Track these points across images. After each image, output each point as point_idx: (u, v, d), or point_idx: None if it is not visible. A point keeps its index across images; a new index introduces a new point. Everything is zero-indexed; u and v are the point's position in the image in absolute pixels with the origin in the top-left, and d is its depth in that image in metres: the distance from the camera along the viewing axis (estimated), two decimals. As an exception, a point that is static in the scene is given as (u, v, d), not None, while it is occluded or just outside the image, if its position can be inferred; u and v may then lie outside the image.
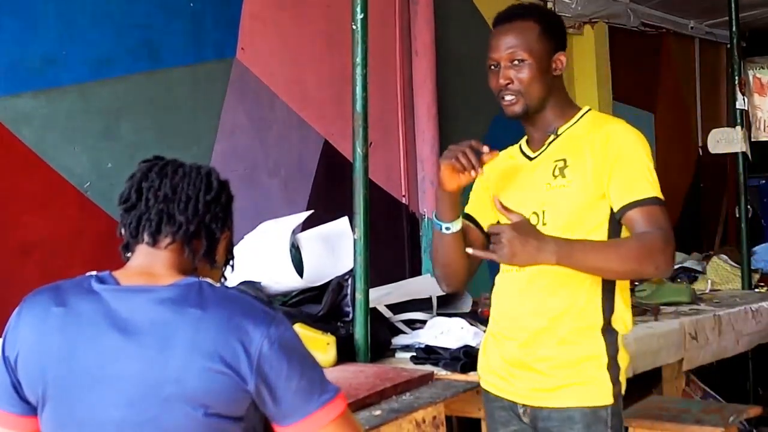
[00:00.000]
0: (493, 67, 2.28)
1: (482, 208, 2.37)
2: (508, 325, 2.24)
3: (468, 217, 2.39)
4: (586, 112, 2.30)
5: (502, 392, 2.27)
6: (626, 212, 2.10)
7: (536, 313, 2.19)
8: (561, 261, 2.00)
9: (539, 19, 2.27)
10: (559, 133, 2.26)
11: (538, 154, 2.27)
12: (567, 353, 2.16)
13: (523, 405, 2.22)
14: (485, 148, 2.13)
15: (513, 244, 1.96)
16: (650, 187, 2.11)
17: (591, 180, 2.14)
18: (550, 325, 2.18)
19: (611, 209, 2.14)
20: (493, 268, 2.41)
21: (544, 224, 2.17)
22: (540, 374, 2.18)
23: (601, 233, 2.15)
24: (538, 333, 2.18)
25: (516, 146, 2.40)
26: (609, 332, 2.17)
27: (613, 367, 2.16)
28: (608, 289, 2.18)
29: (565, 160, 2.20)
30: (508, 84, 2.22)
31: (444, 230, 2.27)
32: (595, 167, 2.14)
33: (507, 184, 2.30)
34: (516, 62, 2.22)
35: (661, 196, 2.11)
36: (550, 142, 2.26)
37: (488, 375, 2.32)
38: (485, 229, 2.32)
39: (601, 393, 2.14)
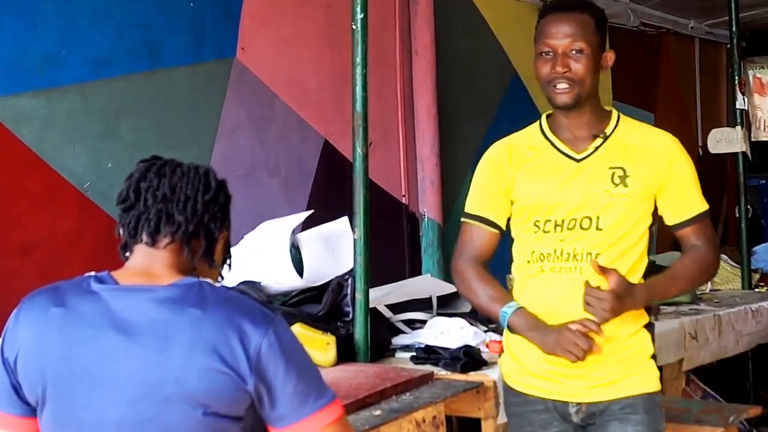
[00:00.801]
0: (546, 54, 2.26)
1: (497, 206, 2.36)
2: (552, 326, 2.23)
3: (482, 220, 2.39)
4: (619, 115, 2.35)
5: (547, 393, 2.28)
6: (682, 228, 2.31)
7: (586, 315, 2.20)
8: (647, 303, 2.26)
9: (594, 13, 2.29)
10: (607, 135, 2.28)
11: (586, 157, 2.27)
12: (620, 350, 2.24)
13: (578, 403, 2.26)
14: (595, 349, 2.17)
15: (614, 311, 2.13)
16: (701, 202, 2.32)
17: (650, 192, 2.25)
18: (607, 327, 2.20)
19: (653, 217, 2.29)
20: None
21: (599, 229, 2.22)
22: (596, 372, 2.23)
23: (645, 238, 2.29)
24: (592, 336, 2.20)
25: (530, 135, 2.38)
26: (650, 326, 2.32)
27: (654, 357, 2.31)
28: None
29: (624, 169, 2.24)
30: (566, 72, 2.22)
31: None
32: (653, 180, 2.25)
33: (546, 181, 2.28)
34: (574, 52, 2.23)
35: (706, 206, 2.33)
36: (598, 146, 2.27)
37: (523, 377, 2.32)
38: (501, 227, 2.38)
39: (652, 380, 2.28)
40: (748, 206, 5.07)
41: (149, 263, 1.57)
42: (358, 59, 3.01)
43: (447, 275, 4.60)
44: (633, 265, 2.25)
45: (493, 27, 5.34)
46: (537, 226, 2.27)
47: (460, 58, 5.10)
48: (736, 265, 5.01)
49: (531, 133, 2.39)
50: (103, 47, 3.43)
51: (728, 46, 5.65)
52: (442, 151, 4.74)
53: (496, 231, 2.38)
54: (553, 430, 2.28)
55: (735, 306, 4.19)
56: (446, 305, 3.61)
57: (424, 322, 3.38)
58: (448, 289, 3.71)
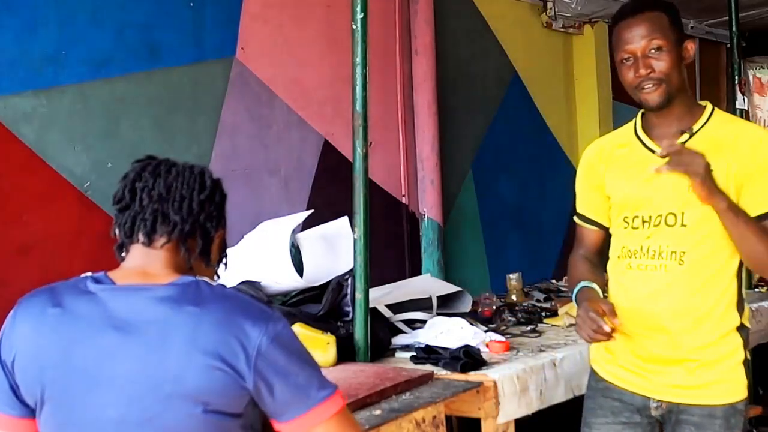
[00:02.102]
0: (626, 61, 2.26)
1: (597, 206, 2.43)
2: (643, 322, 2.25)
3: (583, 218, 2.47)
4: (712, 110, 2.33)
5: (631, 385, 2.33)
6: (765, 219, 2.21)
7: (679, 314, 2.22)
8: (729, 208, 2.14)
9: (664, 8, 2.29)
10: (694, 131, 2.27)
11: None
12: (710, 353, 2.24)
13: (659, 400, 2.29)
14: (611, 325, 2.15)
15: (707, 170, 2.06)
16: None
17: (735, 187, 2.21)
18: (693, 325, 2.24)
19: None
20: (494, 268, 2.42)
21: (683, 225, 2.23)
22: (683, 372, 2.25)
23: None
24: (682, 333, 2.22)
25: (623, 134, 2.40)
26: (743, 329, 2.30)
27: (746, 362, 2.29)
28: (739, 288, 2.30)
29: (708, 164, 2.20)
30: (650, 73, 2.22)
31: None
32: (737, 173, 2.21)
33: (632, 177, 2.30)
34: (653, 51, 2.22)
35: None
36: (684, 142, 2.26)
37: (611, 366, 2.37)
38: (604, 225, 2.42)
39: (739, 388, 2.28)
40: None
41: (146, 263, 1.57)
42: (358, 59, 3.01)
43: (447, 275, 4.61)
44: (723, 264, 2.24)
45: (493, 27, 5.34)
46: (626, 222, 2.32)
47: (460, 58, 5.10)
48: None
49: (623, 131, 2.43)
50: (103, 47, 3.42)
51: (728, 46, 5.65)
52: (442, 150, 4.74)
53: (598, 229, 2.45)
54: (622, 419, 2.34)
55: (735, 306, 4.18)
56: (446, 305, 3.61)
57: (424, 322, 3.38)
58: (448, 289, 3.71)
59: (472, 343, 3.04)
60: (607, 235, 2.45)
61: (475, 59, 5.25)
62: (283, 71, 4.13)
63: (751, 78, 7.89)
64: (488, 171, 5.23)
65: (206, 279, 1.59)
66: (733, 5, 5.05)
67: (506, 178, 5.36)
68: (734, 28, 5.08)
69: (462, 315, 3.44)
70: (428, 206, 4.69)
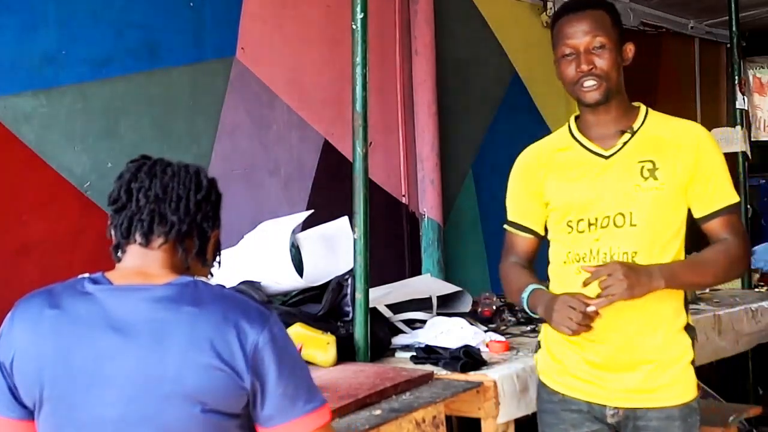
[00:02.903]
0: (568, 56, 2.26)
1: (533, 213, 2.39)
2: (594, 330, 2.20)
3: (517, 226, 2.42)
4: (647, 110, 2.33)
5: (585, 395, 2.28)
6: (709, 220, 2.24)
7: (634, 319, 2.20)
8: (669, 284, 2.14)
9: (607, 8, 2.29)
10: (635, 130, 2.27)
11: (614, 153, 2.26)
12: (664, 354, 2.23)
13: (615, 407, 2.26)
14: (590, 309, 2.13)
15: (629, 278, 2.06)
16: (732, 194, 2.25)
17: (681, 184, 2.21)
18: (647, 326, 2.22)
19: (688, 210, 2.25)
20: (494, 268, 2.41)
21: (633, 225, 2.21)
22: (638, 376, 2.23)
23: (681, 234, 2.26)
24: (636, 335, 2.20)
25: (560, 138, 2.38)
26: (690, 329, 2.29)
27: (693, 362, 2.28)
28: (687, 290, 2.30)
29: (653, 162, 2.22)
30: (591, 69, 2.22)
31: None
32: (684, 171, 2.21)
33: (576, 180, 2.28)
34: (596, 48, 2.22)
35: (737, 198, 2.26)
36: (626, 141, 2.26)
37: (563, 377, 2.32)
38: (538, 233, 2.39)
39: (692, 388, 2.26)
40: (748, 206, 5.07)
41: (143, 263, 1.57)
42: (358, 59, 3.01)
43: (447, 275, 4.61)
44: (671, 261, 2.23)
45: (493, 27, 5.34)
46: (570, 226, 2.28)
47: (460, 58, 5.10)
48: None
49: (559, 135, 2.40)
50: (103, 47, 3.43)
51: (728, 46, 5.65)
52: (442, 150, 4.74)
53: (533, 237, 2.41)
54: (584, 430, 2.30)
55: (735, 306, 4.19)
56: (446, 305, 3.61)
57: (424, 322, 3.38)
58: (448, 289, 3.71)
59: (472, 343, 3.03)
60: (539, 244, 2.42)
61: (475, 59, 5.25)
62: (283, 71, 4.13)
63: (751, 78, 7.89)
64: (488, 171, 5.23)
65: (203, 279, 1.59)
66: (733, 5, 5.05)
67: (506, 177, 5.35)
68: (734, 28, 5.08)
69: (462, 315, 3.44)
70: (428, 206, 4.69)
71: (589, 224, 2.24)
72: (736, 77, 5.07)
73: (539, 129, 5.66)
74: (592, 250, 2.23)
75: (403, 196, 4.73)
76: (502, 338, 3.20)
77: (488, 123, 5.30)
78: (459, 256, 4.97)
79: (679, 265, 2.21)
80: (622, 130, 2.27)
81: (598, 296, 2.10)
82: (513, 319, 3.68)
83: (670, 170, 2.21)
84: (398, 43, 4.69)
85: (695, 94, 7.48)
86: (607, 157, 2.27)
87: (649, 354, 2.22)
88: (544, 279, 2.36)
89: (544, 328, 2.40)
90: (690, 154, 2.22)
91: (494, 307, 3.75)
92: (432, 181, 4.69)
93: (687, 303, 2.31)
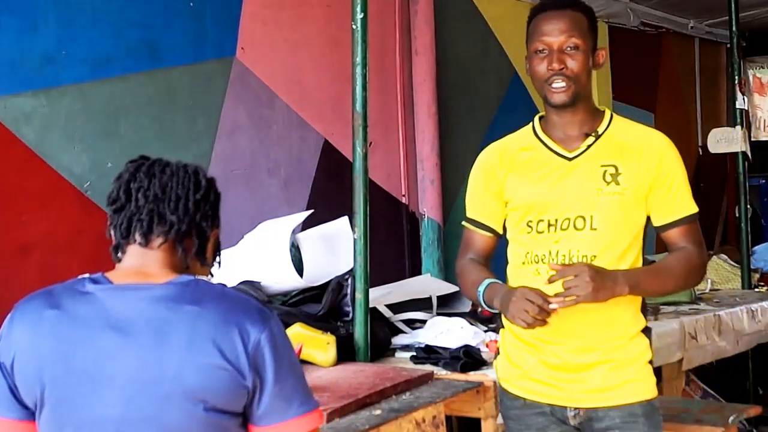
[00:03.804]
0: (540, 52, 2.24)
1: (492, 212, 2.37)
2: (553, 331, 2.19)
3: (476, 224, 2.41)
4: (612, 115, 2.33)
5: (546, 398, 2.27)
6: (669, 229, 2.25)
7: (593, 321, 2.18)
8: (632, 290, 2.14)
9: (585, 11, 2.29)
10: (599, 134, 2.26)
11: (578, 155, 2.26)
12: (622, 355, 2.22)
13: (576, 408, 2.24)
14: (552, 306, 2.10)
15: (595, 281, 2.05)
16: (690, 204, 2.26)
17: (642, 190, 2.22)
18: (605, 330, 2.21)
19: (647, 218, 2.25)
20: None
21: (593, 229, 2.20)
22: (597, 375, 2.22)
23: (640, 240, 2.26)
24: (593, 338, 2.19)
25: (523, 137, 2.37)
26: (647, 331, 2.29)
27: (651, 362, 2.28)
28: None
29: (616, 167, 2.21)
30: (562, 69, 2.21)
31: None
32: (644, 178, 2.21)
33: (537, 180, 2.26)
34: (569, 48, 2.22)
35: (696, 209, 2.27)
36: (590, 144, 2.26)
37: (522, 381, 2.30)
38: (497, 231, 2.38)
39: (652, 387, 2.26)
40: (748, 206, 5.07)
41: (143, 263, 1.57)
42: (358, 59, 3.01)
43: (447, 275, 4.61)
44: (629, 267, 2.23)
45: (493, 27, 5.34)
46: (530, 226, 2.26)
47: (460, 58, 5.10)
48: (735, 264, 5.01)
49: (523, 134, 2.38)
50: (103, 47, 3.43)
51: (728, 46, 5.65)
52: (442, 150, 4.74)
53: (492, 235, 2.39)
54: None
55: (735, 306, 4.19)
56: (446, 305, 3.61)
57: (424, 322, 3.38)
58: (448, 289, 3.71)
59: (472, 343, 3.04)
60: (497, 242, 2.40)
61: (475, 59, 5.25)
62: (283, 71, 4.13)
63: (751, 78, 7.90)
64: (488, 171, 5.22)
65: (204, 277, 1.59)
66: (733, 5, 5.05)
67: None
68: (734, 28, 5.08)
69: (462, 315, 3.44)
70: (428, 206, 4.69)
71: (549, 225, 2.23)
72: (736, 77, 5.07)
73: (539, 129, 5.67)
74: (551, 251, 2.22)
75: (403, 196, 4.73)
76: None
77: (488, 123, 5.30)
78: (459, 256, 4.96)
79: (642, 272, 2.21)
80: (587, 132, 2.26)
81: (558, 294, 2.08)
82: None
83: (633, 176, 2.21)
84: (398, 43, 4.70)
85: (695, 94, 7.49)
86: (570, 159, 2.26)
87: (607, 354, 2.21)
88: (501, 279, 2.34)
89: (502, 333, 2.39)
90: (652, 161, 2.22)
91: (494, 307, 3.74)
92: (432, 181, 4.69)
93: (645, 305, 2.31)
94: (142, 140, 3.51)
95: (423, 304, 3.53)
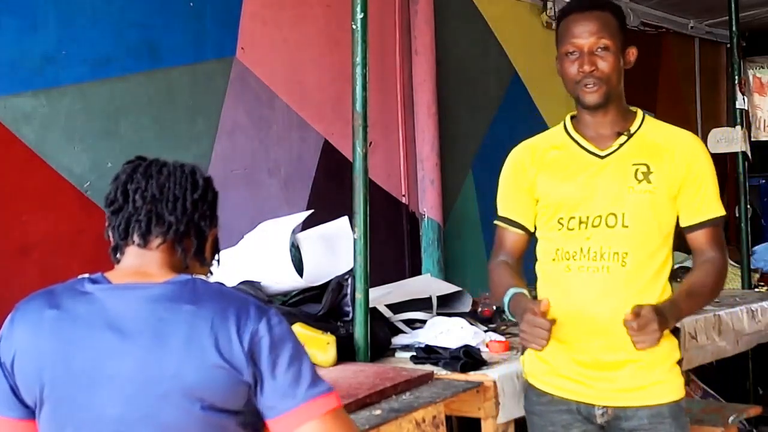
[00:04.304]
0: (571, 54, 2.26)
1: (524, 209, 2.39)
2: (585, 326, 2.22)
3: (508, 221, 2.42)
4: (644, 115, 2.34)
5: (574, 395, 2.29)
6: (695, 231, 2.27)
7: (622, 315, 2.16)
8: (681, 315, 2.21)
9: (614, 11, 2.30)
10: (631, 133, 2.28)
11: (610, 153, 2.28)
12: (651, 354, 2.22)
13: (604, 406, 2.26)
14: (542, 307, 2.11)
15: (661, 330, 2.06)
16: (718, 206, 2.28)
17: (672, 190, 2.24)
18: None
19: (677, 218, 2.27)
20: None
21: (624, 226, 2.22)
22: (626, 375, 2.24)
23: (671, 239, 2.28)
24: (624, 337, 2.18)
25: (555, 135, 2.39)
26: (676, 330, 2.30)
27: (680, 362, 2.30)
28: (672, 290, 2.30)
29: (647, 165, 2.23)
30: (593, 71, 2.22)
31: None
32: (675, 178, 2.23)
33: (569, 178, 2.28)
34: (600, 49, 2.23)
35: (723, 212, 2.30)
36: (622, 143, 2.27)
37: (550, 377, 2.32)
38: (528, 229, 2.40)
39: (679, 387, 2.28)
40: (748, 206, 5.07)
41: (142, 263, 1.58)
42: (358, 59, 3.01)
43: (447, 275, 4.61)
44: (660, 266, 2.26)
45: (493, 27, 5.34)
46: (561, 223, 2.28)
47: (460, 58, 5.10)
48: (736, 264, 5.00)
49: (554, 133, 2.41)
50: (103, 47, 3.43)
51: (728, 46, 5.65)
52: (442, 150, 4.74)
53: (523, 232, 2.41)
54: (575, 431, 2.30)
55: (735, 306, 4.19)
56: (446, 305, 3.61)
57: (424, 322, 3.38)
58: (448, 289, 3.71)
59: (472, 343, 3.03)
60: (529, 240, 2.42)
61: (475, 59, 5.25)
62: (283, 71, 4.13)
63: (751, 78, 7.89)
64: (488, 171, 5.20)
65: (202, 277, 1.59)
66: (733, 5, 5.05)
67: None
68: (734, 28, 5.08)
69: (462, 315, 3.44)
70: (428, 206, 4.69)
71: (580, 222, 2.25)
72: (736, 77, 5.07)
73: (539, 129, 5.60)
74: (583, 248, 2.24)
75: (403, 196, 4.73)
76: (502, 338, 3.19)
77: (488, 123, 5.30)
78: (459, 256, 4.97)
79: (683, 301, 2.23)
80: (619, 131, 2.28)
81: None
82: (513, 319, 3.67)
83: (664, 175, 2.23)
84: (398, 43, 4.69)
85: (695, 94, 7.48)
86: (602, 157, 2.28)
87: (636, 353, 2.20)
88: (531, 277, 2.36)
89: None
90: (683, 162, 2.24)
91: (494, 307, 3.75)
92: (432, 181, 4.69)
93: None
94: (142, 140, 3.51)
95: (423, 304, 3.53)
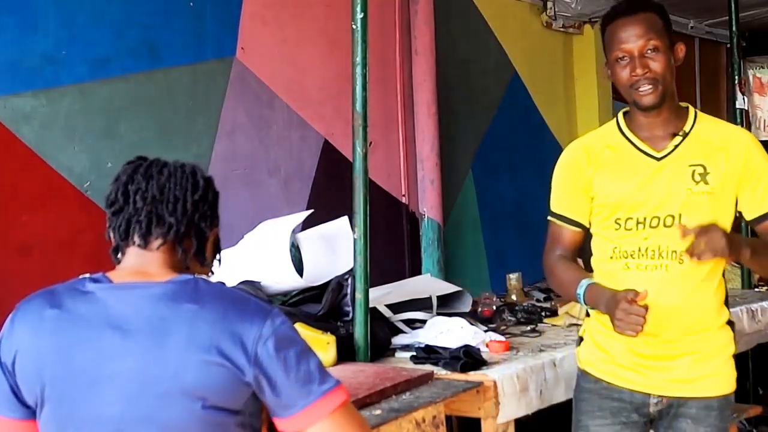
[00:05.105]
0: (621, 60, 2.27)
1: (580, 207, 2.41)
2: (651, 322, 2.21)
3: (564, 219, 2.44)
4: (696, 112, 2.36)
5: (630, 383, 2.33)
6: (762, 222, 2.28)
7: (681, 310, 2.25)
8: (752, 255, 2.19)
9: (658, 10, 2.31)
10: (687, 133, 2.30)
11: (666, 155, 2.29)
12: (708, 347, 2.29)
13: (659, 396, 2.31)
14: (640, 297, 2.13)
15: (726, 237, 2.07)
16: None
17: (730, 188, 2.25)
18: (693, 321, 2.27)
19: (736, 215, 2.29)
20: (494, 268, 2.42)
21: (683, 225, 2.22)
22: (683, 366, 2.28)
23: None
24: (683, 329, 2.26)
25: (609, 134, 2.39)
26: (731, 324, 2.35)
27: (734, 356, 2.34)
28: (726, 285, 2.35)
29: (704, 166, 2.25)
30: (646, 73, 2.23)
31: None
32: (732, 175, 2.25)
33: (626, 180, 2.30)
34: (650, 51, 2.24)
35: None
36: (677, 144, 2.29)
37: (608, 365, 2.37)
38: (584, 225, 2.41)
39: (731, 381, 2.33)
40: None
41: (143, 263, 1.58)
42: (358, 59, 3.01)
43: (447, 275, 4.61)
44: (716, 262, 2.26)
45: (493, 27, 5.34)
46: (618, 223, 2.31)
47: (460, 58, 5.10)
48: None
49: (608, 131, 2.41)
50: (103, 47, 3.42)
51: (728, 46, 5.65)
52: (442, 150, 4.74)
53: (579, 229, 2.44)
54: (622, 419, 2.35)
55: (735, 306, 4.18)
56: (446, 305, 3.61)
57: (424, 321, 3.38)
58: (448, 288, 3.71)
59: (472, 343, 3.03)
60: (584, 236, 2.45)
61: (475, 59, 5.24)
62: (283, 71, 4.13)
63: (751, 78, 7.89)
64: (488, 171, 5.23)
65: (204, 277, 1.59)
66: (733, 5, 5.05)
67: (506, 177, 5.36)
68: (734, 28, 5.08)
69: (462, 315, 3.44)
70: (428, 206, 4.69)
71: (638, 223, 2.28)
72: (736, 77, 5.07)
73: (539, 129, 5.67)
74: (641, 248, 2.28)
75: (403, 196, 4.73)
76: (502, 338, 3.20)
77: (488, 123, 5.30)
78: (459, 256, 4.97)
79: (753, 241, 2.28)
80: (674, 132, 2.30)
81: (691, 252, 2.10)
82: (513, 319, 3.68)
83: (720, 175, 2.25)
84: (398, 43, 4.69)
85: (695, 94, 7.48)
86: (658, 159, 2.30)
87: (694, 345, 2.28)
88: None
89: (586, 321, 2.46)
90: (739, 159, 2.26)
91: (494, 307, 3.75)
92: (432, 181, 4.69)
93: (728, 300, 2.37)
94: (142, 140, 3.51)
95: (423, 304, 3.53)
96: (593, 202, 2.38)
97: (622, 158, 2.33)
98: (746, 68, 7.51)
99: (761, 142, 2.34)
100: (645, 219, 2.27)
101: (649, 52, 2.24)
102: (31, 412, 1.55)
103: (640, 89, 2.25)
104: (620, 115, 2.40)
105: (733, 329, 2.37)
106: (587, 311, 2.45)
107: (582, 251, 2.47)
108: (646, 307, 2.11)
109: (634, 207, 2.28)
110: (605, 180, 2.34)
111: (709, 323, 2.31)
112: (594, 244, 2.42)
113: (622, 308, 2.13)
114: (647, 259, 2.27)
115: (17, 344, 1.53)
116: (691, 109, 2.36)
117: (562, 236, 2.46)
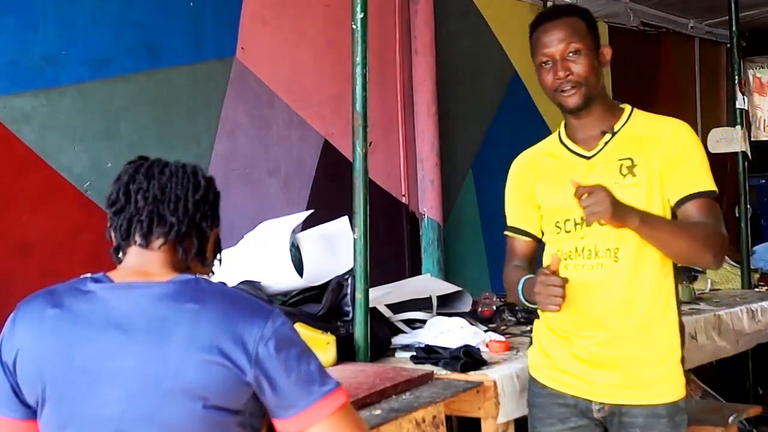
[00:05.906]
0: (545, 64, 2.30)
1: (529, 217, 2.45)
2: (582, 323, 2.26)
3: (516, 231, 2.48)
4: (632, 110, 2.36)
5: (573, 390, 2.32)
6: (684, 203, 2.22)
7: (617, 310, 2.23)
8: (642, 225, 2.13)
9: (581, 15, 2.34)
10: (615, 131, 2.30)
11: (596, 153, 2.31)
12: (651, 351, 2.25)
13: (601, 402, 2.29)
14: (553, 266, 2.17)
15: (611, 198, 2.05)
16: (709, 181, 2.24)
17: (658, 177, 2.23)
18: (632, 322, 2.24)
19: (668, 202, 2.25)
20: (494, 268, 2.43)
21: None
22: (624, 372, 2.25)
23: None
24: (621, 330, 2.23)
25: (550, 143, 2.44)
26: (681, 327, 2.30)
27: (682, 360, 2.29)
28: (676, 286, 2.30)
29: (631, 159, 2.25)
30: (568, 75, 2.25)
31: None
32: (661, 164, 2.23)
33: (562, 183, 2.30)
34: (571, 54, 2.26)
35: (715, 188, 2.25)
36: (607, 142, 2.30)
37: (551, 371, 2.36)
38: (536, 235, 2.45)
39: (679, 387, 2.27)
40: (748, 206, 5.07)
41: (144, 263, 1.58)
42: (358, 59, 3.01)
43: (447, 275, 4.61)
44: (657, 261, 2.25)
45: (493, 27, 5.34)
46: (558, 227, 2.34)
47: (460, 58, 5.10)
48: (735, 264, 5.00)
49: (550, 140, 2.47)
50: (103, 47, 3.43)
51: (728, 45, 5.65)
52: (442, 150, 4.74)
53: (531, 239, 2.47)
54: (570, 425, 2.33)
55: (735, 306, 4.18)
56: (446, 305, 3.61)
57: (424, 321, 3.38)
58: (448, 288, 3.71)
59: (472, 343, 3.03)
60: (539, 246, 2.47)
61: (475, 59, 5.25)
62: (283, 71, 4.13)
63: (751, 78, 7.90)
64: (488, 171, 5.23)
65: (206, 277, 1.60)
66: (733, 5, 5.05)
67: (506, 177, 5.35)
68: (734, 28, 5.08)
69: (462, 315, 3.44)
70: (428, 206, 4.69)
71: (575, 224, 2.30)
72: (736, 77, 5.07)
73: (539, 129, 5.65)
74: (577, 248, 2.29)
75: (403, 196, 4.73)
76: (502, 338, 3.19)
77: (488, 123, 5.30)
78: (459, 256, 4.97)
79: (657, 216, 2.21)
80: (604, 131, 2.31)
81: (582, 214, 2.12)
82: (513, 319, 3.68)
83: (647, 165, 2.24)
84: (398, 43, 4.69)
85: (695, 94, 7.48)
86: (589, 158, 2.32)
87: (636, 350, 2.24)
88: None
89: (536, 324, 2.46)
90: (666, 146, 2.25)
91: (494, 307, 3.75)
92: (432, 181, 4.69)
93: (679, 302, 2.33)
94: (142, 140, 3.51)
95: (423, 304, 3.53)
96: (540, 210, 2.41)
97: (559, 163, 2.36)
98: (746, 68, 7.52)
99: (761, 142, 2.33)
100: (582, 219, 2.24)
101: (570, 55, 2.26)
102: (31, 412, 1.55)
103: (564, 92, 2.27)
104: (561, 124, 2.43)
105: (682, 334, 2.31)
106: (537, 313, 2.44)
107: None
108: (565, 279, 2.14)
109: (570, 209, 2.27)
110: (545, 187, 2.37)
111: (651, 326, 2.26)
112: (544, 254, 2.43)
113: (540, 281, 2.16)
114: (583, 259, 2.26)
115: (18, 344, 1.53)
116: (627, 108, 2.37)
117: (516, 248, 2.50)
